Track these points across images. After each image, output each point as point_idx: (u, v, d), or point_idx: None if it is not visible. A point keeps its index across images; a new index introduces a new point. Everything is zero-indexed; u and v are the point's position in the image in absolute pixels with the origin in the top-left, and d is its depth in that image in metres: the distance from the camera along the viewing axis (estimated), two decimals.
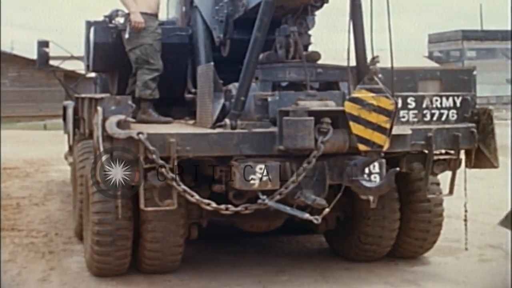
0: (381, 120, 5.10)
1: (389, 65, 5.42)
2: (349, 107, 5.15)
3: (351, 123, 5.17)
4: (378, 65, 5.26)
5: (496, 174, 8.84)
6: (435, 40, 50.25)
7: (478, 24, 54.64)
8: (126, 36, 7.35)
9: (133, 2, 7.36)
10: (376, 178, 5.59)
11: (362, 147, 5.16)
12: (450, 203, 6.88)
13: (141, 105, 7.25)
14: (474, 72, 38.94)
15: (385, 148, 5.19)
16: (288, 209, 5.64)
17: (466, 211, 6.35)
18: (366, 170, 5.55)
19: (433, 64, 46.11)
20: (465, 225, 6.47)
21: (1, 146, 14.74)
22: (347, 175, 5.42)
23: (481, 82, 41.08)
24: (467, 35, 48.41)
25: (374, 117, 5.10)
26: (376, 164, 5.55)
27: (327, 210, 5.61)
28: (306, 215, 5.66)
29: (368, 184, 5.31)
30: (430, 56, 50.01)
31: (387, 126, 5.12)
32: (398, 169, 5.46)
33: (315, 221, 5.66)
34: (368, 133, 5.13)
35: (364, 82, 5.21)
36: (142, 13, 7.34)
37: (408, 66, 35.40)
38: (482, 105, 6.75)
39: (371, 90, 5.14)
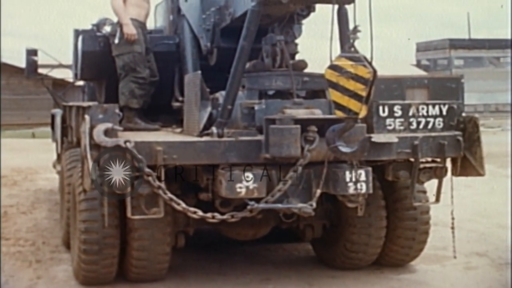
0: (358, 87, 5.11)
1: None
2: (328, 74, 5.16)
3: (330, 90, 5.18)
4: None
5: (483, 182, 8.89)
6: (423, 49, 50.43)
7: (465, 32, 54.84)
8: (116, 41, 7.34)
9: (125, 13, 7.36)
10: (362, 187, 5.61)
11: (339, 113, 5.17)
12: (437, 211, 6.90)
13: (126, 114, 7.23)
14: (462, 80, 39.11)
15: (361, 116, 5.19)
16: (279, 206, 5.63)
17: (453, 218, 6.34)
18: (353, 179, 5.57)
19: (420, 72, 46.25)
20: (453, 233, 6.48)
21: None
22: (327, 142, 5.40)
23: (468, 90, 41.24)
24: (455, 44, 48.60)
25: (351, 85, 5.11)
26: (363, 172, 5.57)
27: (319, 191, 5.60)
28: (300, 205, 5.61)
29: (344, 149, 5.31)
30: (418, 65, 50.17)
31: (363, 94, 5.12)
32: (373, 136, 5.46)
33: (309, 207, 5.59)
34: (345, 100, 5.14)
35: (345, 50, 5.24)
36: (132, 20, 7.35)
37: (396, 74, 35.53)
38: (469, 113, 6.77)
39: (350, 59, 5.16)
